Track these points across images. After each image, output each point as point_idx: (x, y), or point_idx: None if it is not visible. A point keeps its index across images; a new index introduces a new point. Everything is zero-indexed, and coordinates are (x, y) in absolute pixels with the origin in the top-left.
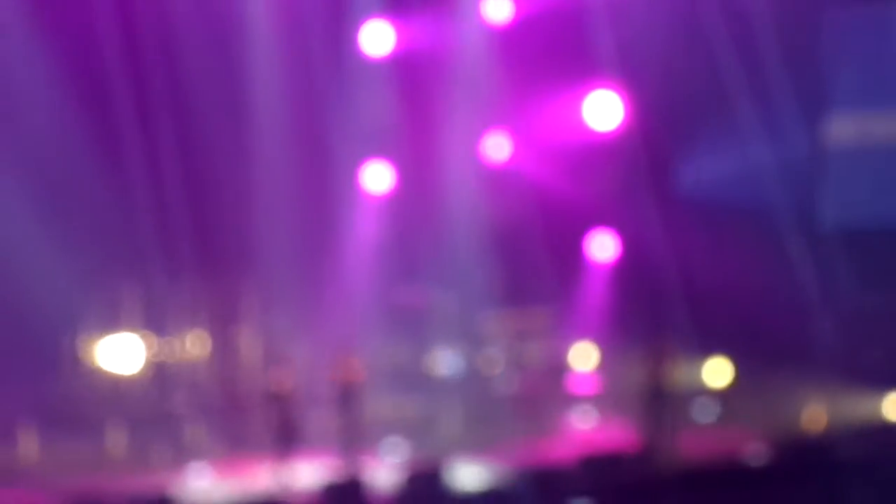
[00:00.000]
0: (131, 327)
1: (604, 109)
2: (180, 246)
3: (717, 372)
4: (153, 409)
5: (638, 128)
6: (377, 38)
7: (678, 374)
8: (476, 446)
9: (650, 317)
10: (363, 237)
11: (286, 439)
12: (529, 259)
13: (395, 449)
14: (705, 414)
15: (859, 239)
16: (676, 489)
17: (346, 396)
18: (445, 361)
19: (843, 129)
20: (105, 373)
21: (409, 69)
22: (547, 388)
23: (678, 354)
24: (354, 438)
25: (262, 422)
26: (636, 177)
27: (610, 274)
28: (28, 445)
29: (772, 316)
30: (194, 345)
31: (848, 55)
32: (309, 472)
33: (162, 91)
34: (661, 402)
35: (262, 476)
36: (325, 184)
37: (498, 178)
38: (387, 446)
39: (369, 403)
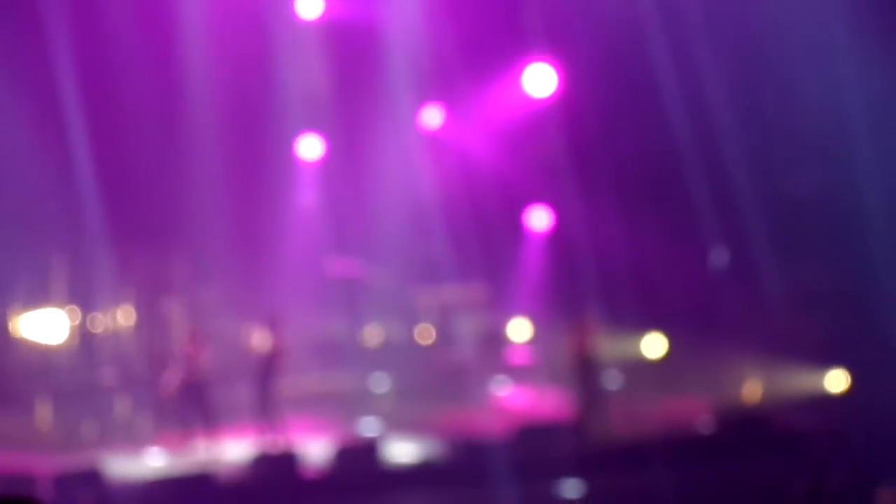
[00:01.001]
0: (59, 299)
1: (538, 82)
2: (109, 217)
3: (654, 345)
4: (81, 381)
5: (571, 101)
6: (311, 2)
7: (607, 346)
8: (409, 419)
9: (578, 290)
10: (297, 207)
11: (207, 414)
12: (465, 232)
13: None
14: (632, 384)
15: (794, 210)
16: (607, 461)
17: (267, 368)
18: (379, 334)
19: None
20: (32, 345)
21: (343, 37)
22: (481, 361)
23: (602, 327)
24: (274, 411)
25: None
26: (569, 150)
27: (544, 247)
28: None
29: (705, 290)
30: (123, 317)
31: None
32: (236, 447)
33: (90, 57)
34: (588, 374)
35: (190, 450)
36: (258, 153)
37: (433, 150)
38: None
39: (302, 376)
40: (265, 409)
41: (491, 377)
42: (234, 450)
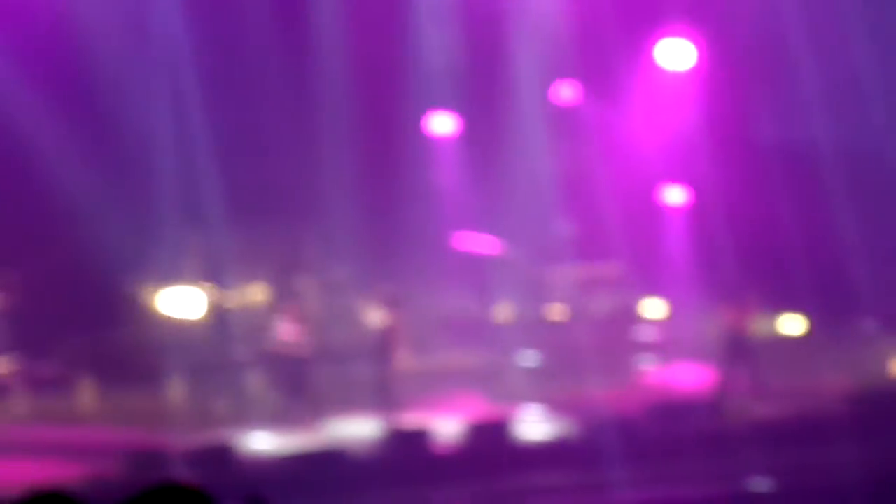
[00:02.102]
0: (193, 276)
1: (675, 56)
2: (240, 193)
3: (793, 322)
4: (215, 357)
5: (712, 73)
6: None
7: (756, 324)
8: (543, 397)
9: (726, 268)
10: (429, 184)
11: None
12: (600, 209)
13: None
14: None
15: None
16: (752, 439)
17: (385, 347)
18: (511, 311)
19: None
20: (167, 321)
21: (476, 10)
22: (616, 339)
23: (758, 305)
24: (392, 389)
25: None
26: (706, 125)
27: (681, 225)
28: (87, 394)
29: (852, 266)
30: (256, 294)
31: None
32: (365, 424)
33: (214, 30)
34: (741, 353)
35: (322, 427)
36: (390, 129)
37: (568, 126)
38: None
39: (433, 353)
40: (384, 388)
41: (633, 355)
42: (362, 427)
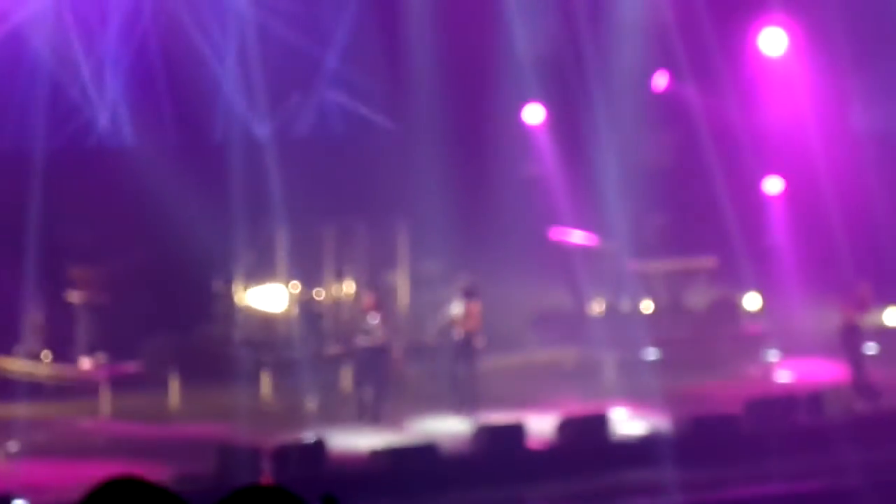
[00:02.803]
0: (283, 272)
1: (772, 43)
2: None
3: None
4: (304, 353)
5: (808, 60)
6: None
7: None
8: (640, 393)
9: (834, 259)
10: (521, 177)
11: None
12: (696, 201)
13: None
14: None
15: None
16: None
17: (466, 345)
18: (604, 305)
19: None
20: (257, 316)
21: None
22: (715, 332)
23: (873, 298)
24: (474, 384)
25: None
26: (811, 111)
27: (784, 214)
28: (175, 392)
29: None
30: (346, 289)
31: None
32: (456, 420)
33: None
34: (851, 347)
35: (413, 423)
36: (481, 121)
37: (663, 116)
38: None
39: (530, 349)
40: (459, 385)
41: (733, 349)
42: (454, 423)
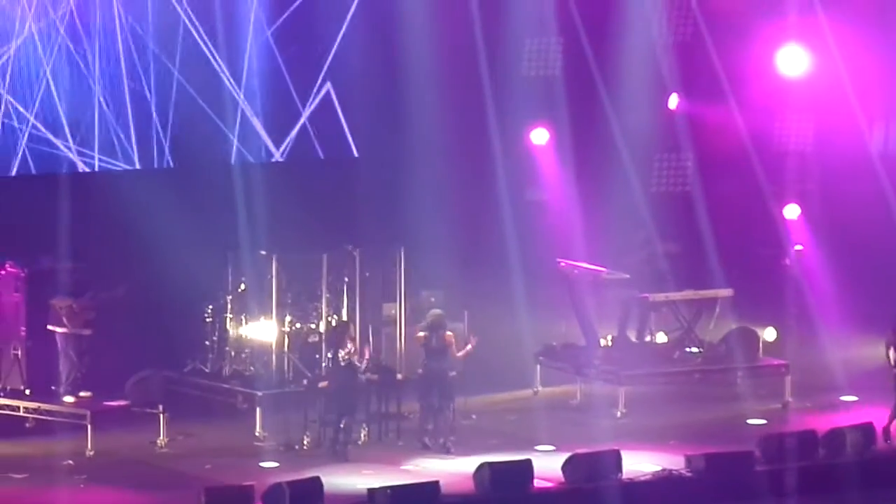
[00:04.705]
0: (276, 302)
1: (792, 63)
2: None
3: None
4: (298, 385)
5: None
6: None
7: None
8: (649, 427)
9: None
10: (526, 203)
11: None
12: (708, 230)
13: None
14: None
15: None
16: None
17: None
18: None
19: None
20: (248, 348)
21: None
22: (729, 366)
23: None
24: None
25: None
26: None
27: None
28: (165, 427)
29: None
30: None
31: None
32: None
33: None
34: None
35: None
36: (486, 144)
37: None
38: None
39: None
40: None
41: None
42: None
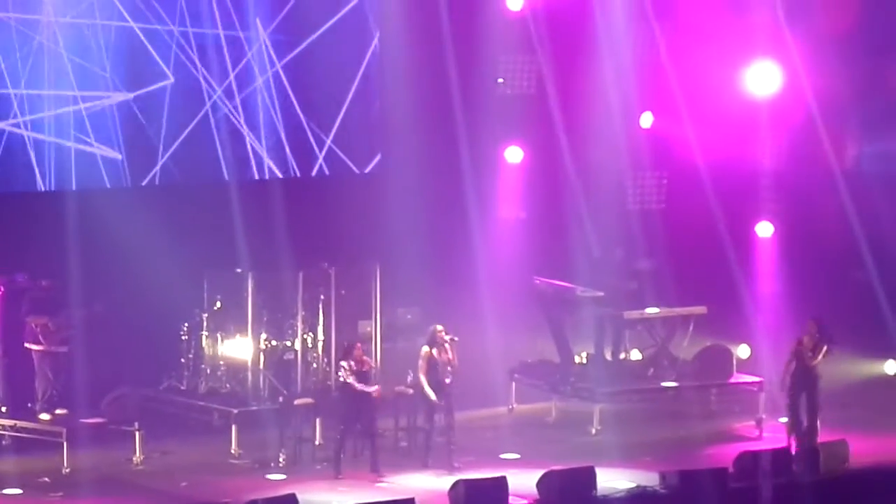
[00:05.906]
0: (252, 319)
1: (761, 80)
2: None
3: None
4: (276, 403)
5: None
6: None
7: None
8: (623, 444)
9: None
10: (500, 221)
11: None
12: (682, 247)
13: None
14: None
15: None
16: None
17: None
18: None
19: None
20: (224, 366)
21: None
22: (703, 383)
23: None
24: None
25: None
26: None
27: (776, 259)
28: (141, 445)
29: None
30: (319, 338)
31: None
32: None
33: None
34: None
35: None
36: (459, 163)
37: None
38: None
39: (507, 402)
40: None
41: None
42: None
